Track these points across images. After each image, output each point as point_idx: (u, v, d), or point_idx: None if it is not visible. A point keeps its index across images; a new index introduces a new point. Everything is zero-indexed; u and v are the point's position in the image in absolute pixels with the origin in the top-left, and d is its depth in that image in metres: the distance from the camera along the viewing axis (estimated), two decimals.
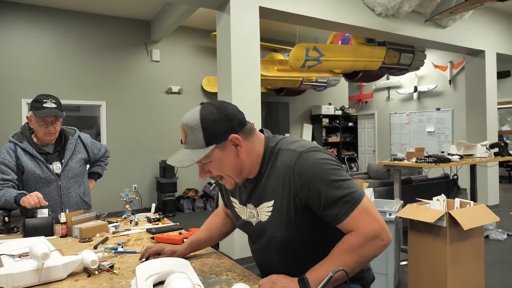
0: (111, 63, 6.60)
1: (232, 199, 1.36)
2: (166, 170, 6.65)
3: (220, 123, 1.13)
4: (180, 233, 1.83)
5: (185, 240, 1.65)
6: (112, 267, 1.37)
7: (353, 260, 1.08)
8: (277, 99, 8.32)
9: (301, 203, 1.13)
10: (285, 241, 1.19)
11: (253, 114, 4.08)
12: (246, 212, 1.29)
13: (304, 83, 7.60)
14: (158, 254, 1.44)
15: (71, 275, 1.31)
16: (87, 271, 1.34)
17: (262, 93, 4.26)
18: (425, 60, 6.58)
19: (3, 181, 2.04)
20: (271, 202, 1.19)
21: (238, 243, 3.90)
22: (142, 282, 1.07)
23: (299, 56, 5.14)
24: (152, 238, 1.77)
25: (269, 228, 1.21)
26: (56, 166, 2.20)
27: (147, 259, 1.44)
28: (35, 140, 2.20)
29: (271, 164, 1.19)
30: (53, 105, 2.10)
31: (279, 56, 7.13)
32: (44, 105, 2.07)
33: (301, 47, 5.17)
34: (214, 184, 7.18)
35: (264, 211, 1.22)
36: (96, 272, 1.33)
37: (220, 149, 1.14)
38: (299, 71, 6.14)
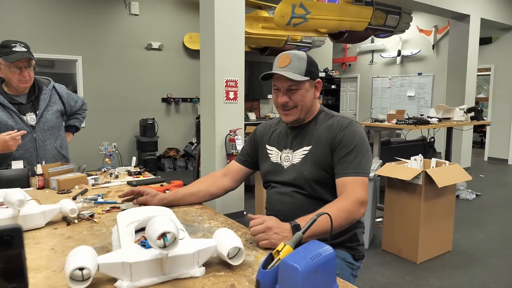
0: (87, 15, 6.27)
1: (269, 147, 1.55)
2: (147, 128, 6.55)
3: (315, 67, 1.42)
4: (161, 185, 1.82)
5: (167, 191, 1.64)
6: (92, 216, 1.35)
7: (341, 214, 1.20)
8: (260, 59, 8.17)
9: (330, 150, 1.37)
10: (307, 181, 1.38)
11: (237, 73, 4.00)
12: (281, 157, 1.49)
13: (288, 43, 7.45)
14: (140, 195, 1.45)
15: (50, 223, 1.29)
16: (66, 220, 1.32)
17: (245, 52, 4.15)
18: (411, 23, 6.52)
19: None
20: (309, 147, 1.41)
21: (220, 201, 3.94)
22: (123, 228, 1.06)
23: (284, 12, 4.99)
24: None
25: (298, 168, 1.41)
26: (30, 118, 2.11)
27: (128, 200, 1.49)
28: (6, 89, 2.09)
29: (322, 121, 1.44)
30: (24, 49, 1.99)
31: (264, 14, 6.92)
32: (13, 49, 1.96)
33: (287, 3, 5.01)
34: (195, 144, 7.14)
35: (298, 155, 1.43)
36: (76, 221, 1.31)
37: (309, 84, 1.40)
38: (284, 29, 6.01)
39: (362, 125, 4.71)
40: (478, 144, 9.78)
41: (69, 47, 6.16)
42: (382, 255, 3.21)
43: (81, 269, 0.82)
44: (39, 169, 1.78)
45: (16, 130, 1.88)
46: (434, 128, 5.00)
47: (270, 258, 0.89)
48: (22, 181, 1.78)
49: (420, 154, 3.27)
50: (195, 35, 7.14)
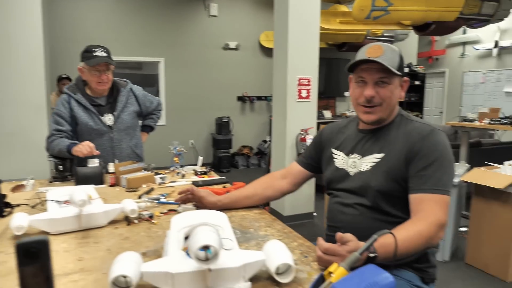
0: (169, 19, 6.61)
1: (335, 151, 1.42)
2: (222, 126, 6.72)
3: (403, 64, 1.28)
4: (224, 187, 1.80)
5: (227, 193, 1.62)
6: (151, 217, 1.37)
7: (418, 239, 1.06)
8: (338, 55, 7.89)
9: (406, 161, 1.21)
10: (375, 192, 1.23)
11: (310, 71, 3.88)
12: (347, 162, 1.35)
13: (368, 37, 7.07)
14: (199, 196, 1.42)
15: (112, 223, 1.33)
16: (127, 220, 1.35)
17: (322, 48, 4.02)
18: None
19: (57, 132, 2.12)
20: (381, 155, 1.26)
21: (289, 201, 3.86)
22: (174, 234, 1.04)
23: (364, 5, 4.71)
24: None
25: (367, 177, 1.26)
26: (108, 118, 2.24)
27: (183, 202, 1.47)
28: (88, 92, 2.25)
29: (399, 127, 1.28)
30: (103, 54, 2.11)
31: (343, 8, 6.65)
32: (94, 54, 2.09)
33: None
34: (268, 142, 7.15)
35: (367, 162, 1.29)
36: (136, 221, 1.34)
37: (398, 80, 1.27)
38: (363, 23, 5.71)
39: (448, 124, 4.29)
40: None
41: (153, 50, 6.55)
42: (465, 269, 2.87)
43: (125, 276, 0.81)
44: (111, 167, 1.88)
45: (94, 147, 1.98)
46: None
47: (321, 279, 0.79)
48: (97, 179, 1.88)
49: None
50: (271, 34, 7.13)
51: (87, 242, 1.16)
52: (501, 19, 5.87)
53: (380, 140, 1.29)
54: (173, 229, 1.08)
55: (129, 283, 0.81)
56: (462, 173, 2.96)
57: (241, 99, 7.27)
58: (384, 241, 0.93)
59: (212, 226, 0.85)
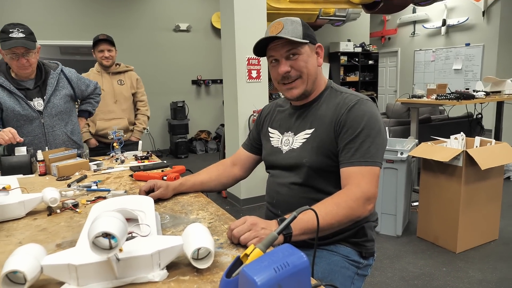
0: (114, 0, 6.26)
1: (271, 130, 1.38)
2: (177, 111, 6.53)
3: (311, 31, 1.24)
4: (162, 171, 1.71)
5: (164, 178, 1.54)
6: (76, 205, 1.26)
7: (340, 211, 1.03)
8: None
9: (335, 134, 1.18)
10: (307, 169, 1.20)
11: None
12: (281, 140, 1.31)
13: (321, 17, 7.06)
14: (152, 190, 1.32)
15: (32, 214, 1.22)
16: (49, 210, 1.24)
17: None
18: None
19: None
20: (311, 130, 1.23)
21: (244, 184, 3.82)
22: (90, 222, 0.95)
23: None
24: (131, 175, 1.66)
25: (298, 154, 1.23)
26: (38, 103, 2.07)
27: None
28: (13, 75, 2.06)
29: (328, 100, 1.25)
30: (21, 35, 1.90)
31: None
32: (10, 35, 1.88)
33: None
34: None
35: (299, 139, 1.25)
36: (58, 211, 1.23)
37: (310, 48, 1.22)
38: (313, 2, 5.68)
39: (398, 101, 4.38)
40: None
41: (98, 33, 6.17)
42: (417, 242, 2.96)
43: (18, 271, 0.72)
44: (39, 155, 1.73)
45: (16, 133, 1.81)
46: (481, 103, 4.54)
47: (238, 263, 0.74)
48: (24, 168, 1.74)
49: (461, 133, 2.94)
50: None
51: None
52: None
53: (310, 115, 1.26)
54: (90, 218, 0.99)
55: (25, 278, 0.72)
56: (410, 148, 3.03)
57: (195, 82, 7.09)
58: (303, 218, 0.90)
59: (118, 213, 0.77)
